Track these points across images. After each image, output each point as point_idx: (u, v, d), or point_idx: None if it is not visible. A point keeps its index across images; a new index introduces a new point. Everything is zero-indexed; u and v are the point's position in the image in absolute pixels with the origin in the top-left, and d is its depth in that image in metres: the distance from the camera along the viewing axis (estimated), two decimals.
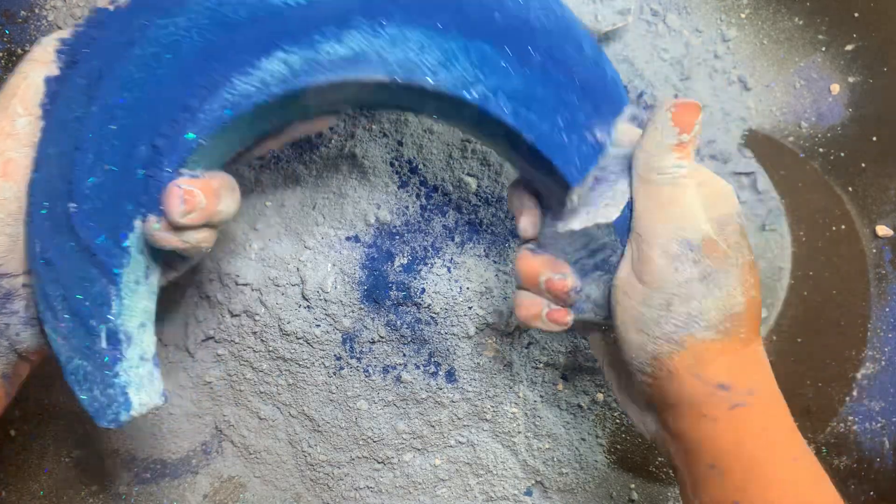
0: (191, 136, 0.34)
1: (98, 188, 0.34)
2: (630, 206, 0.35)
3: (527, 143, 0.35)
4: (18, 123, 0.34)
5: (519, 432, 0.53)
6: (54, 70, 0.35)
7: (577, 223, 0.36)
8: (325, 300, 0.49)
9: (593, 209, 0.36)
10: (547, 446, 0.53)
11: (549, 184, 0.37)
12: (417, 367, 0.51)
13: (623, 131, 0.35)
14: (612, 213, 0.35)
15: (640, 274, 0.33)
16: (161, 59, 0.35)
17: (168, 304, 0.51)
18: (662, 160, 0.33)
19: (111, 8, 0.36)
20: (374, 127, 0.48)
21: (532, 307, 0.38)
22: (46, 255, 0.34)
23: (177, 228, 0.34)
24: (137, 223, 0.35)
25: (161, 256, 0.37)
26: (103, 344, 0.35)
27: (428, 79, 0.35)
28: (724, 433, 0.32)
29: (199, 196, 0.34)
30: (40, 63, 0.35)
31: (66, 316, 0.35)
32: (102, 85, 0.35)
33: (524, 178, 0.39)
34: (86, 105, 0.35)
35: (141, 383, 0.37)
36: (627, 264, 0.34)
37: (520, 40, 0.35)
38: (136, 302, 0.36)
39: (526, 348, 0.51)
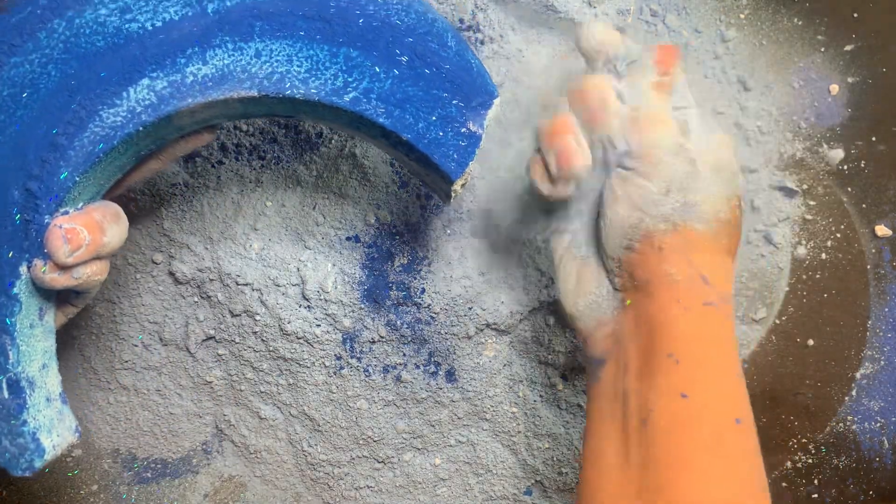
0: (65, 175, 0.34)
1: None
2: None
3: (405, 143, 0.36)
4: None
5: (519, 432, 0.53)
6: None
7: None
8: (326, 300, 0.49)
9: None
10: (547, 446, 0.53)
11: (434, 179, 0.38)
12: (417, 367, 0.51)
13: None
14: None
15: (639, 167, 0.35)
16: (19, 98, 0.34)
17: (168, 304, 0.51)
18: (645, 97, 0.36)
19: None
20: None
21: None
22: None
23: (65, 268, 0.34)
24: (23, 269, 0.34)
25: (54, 294, 0.37)
26: (5, 394, 0.34)
27: (298, 89, 0.35)
28: (692, 325, 0.33)
29: (82, 233, 0.34)
30: None
31: None
32: None
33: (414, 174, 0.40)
34: None
35: (51, 424, 0.36)
36: (619, 171, 0.36)
37: (385, 42, 0.36)
38: (33, 346, 0.36)
39: (526, 348, 0.51)
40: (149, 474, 0.55)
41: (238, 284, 0.49)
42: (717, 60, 0.49)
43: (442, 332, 0.50)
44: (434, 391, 0.51)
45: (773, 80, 0.50)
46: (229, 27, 0.35)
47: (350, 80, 0.35)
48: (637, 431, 0.33)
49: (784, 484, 0.53)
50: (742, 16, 0.49)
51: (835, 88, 0.50)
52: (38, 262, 0.34)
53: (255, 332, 0.50)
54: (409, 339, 0.50)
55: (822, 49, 0.49)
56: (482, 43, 0.47)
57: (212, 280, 0.49)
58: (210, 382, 0.52)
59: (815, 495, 0.53)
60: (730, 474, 0.31)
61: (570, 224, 0.39)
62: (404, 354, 0.50)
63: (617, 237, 0.36)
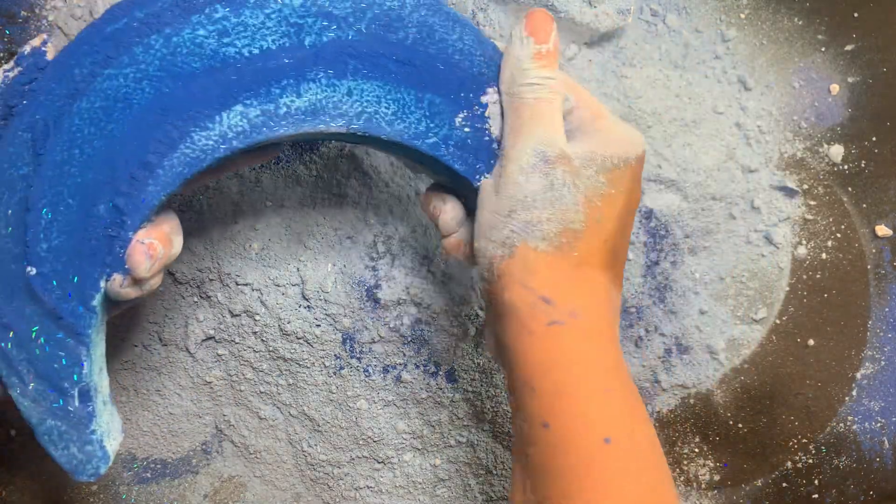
0: (153, 193, 0.34)
1: (57, 251, 0.34)
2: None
3: (460, 176, 0.37)
4: None
5: None
6: None
7: None
8: (325, 300, 0.49)
9: None
10: None
11: (462, 188, 0.39)
12: (417, 367, 0.51)
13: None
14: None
15: (496, 186, 0.34)
16: (112, 112, 0.34)
17: (168, 304, 0.51)
18: (524, 72, 0.34)
19: (46, 50, 0.35)
20: None
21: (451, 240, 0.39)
22: (4, 321, 0.34)
23: (140, 281, 0.34)
24: (102, 283, 0.34)
25: (112, 301, 0.37)
26: (76, 403, 0.35)
27: (384, 130, 0.36)
28: (539, 350, 0.32)
29: (158, 247, 0.34)
30: None
31: (35, 380, 0.34)
32: (50, 141, 0.33)
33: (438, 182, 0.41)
34: (31, 161, 0.34)
35: (109, 428, 0.36)
36: (491, 179, 0.36)
37: (467, 90, 0.37)
38: (98, 353, 0.36)
39: None
40: (148, 474, 0.55)
41: (238, 284, 0.49)
42: (717, 60, 0.49)
43: (442, 332, 0.50)
44: (434, 391, 0.51)
45: (774, 80, 0.50)
46: (324, 62, 0.35)
47: (432, 125, 0.36)
48: (527, 463, 0.32)
49: (784, 484, 0.53)
50: (742, 16, 0.49)
51: (835, 88, 0.50)
52: (117, 277, 0.34)
53: (255, 332, 0.50)
54: (409, 339, 0.50)
55: (823, 49, 0.49)
56: None
57: (212, 280, 0.49)
58: (210, 382, 0.52)
59: (815, 495, 0.53)
60: (603, 497, 0.30)
61: None
62: (404, 355, 0.50)
63: (478, 268, 0.36)
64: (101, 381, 0.36)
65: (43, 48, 0.35)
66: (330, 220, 0.48)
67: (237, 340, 0.50)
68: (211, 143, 0.34)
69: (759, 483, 0.53)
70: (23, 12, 0.47)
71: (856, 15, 0.49)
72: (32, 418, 0.34)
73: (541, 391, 0.32)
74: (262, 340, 0.50)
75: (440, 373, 0.51)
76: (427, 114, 0.36)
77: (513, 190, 0.33)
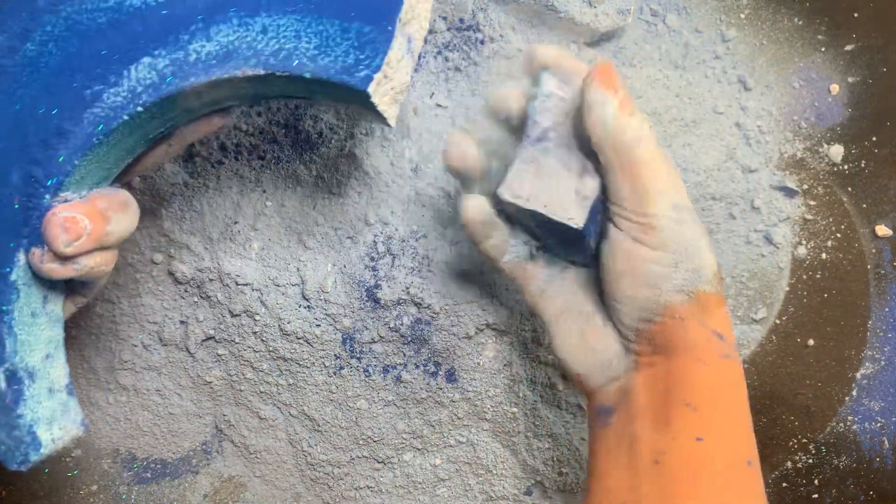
0: (62, 158, 0.32)
1: None
2: (601, 199, 0.36)
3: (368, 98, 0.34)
4: None
5: (519, 432, 0.53)
6: None
7: (537, 205, 0.36)
8: (325, 300, 0.49)
9: (555, 197, 0.36)
10: (547, 446, 0.53)
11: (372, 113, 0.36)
12: (417, 367, 0.51)
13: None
14: (579, 218, 0.36)
15: (642, 239, 0.35)
16: (19, 77, 0.32)
17: (168, 304, 0.51)
18: (623, 128, 0.34)
19: None
20: (374, 127, 0.48)
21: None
22: None
23: (65, 258, 0.33)
24: (20, 256, 0.32)
25: (61, 283, 0.35)
26: (2, 386, 0.33)
27: (307, 67, 0.33)
28: (710, 377, 0.35)
29: (83, 221, 0.32)
30: None
31: None
32: None
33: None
34: None
35: (52, 417, 0.35)
36: (620, 234, 0.36)
37: (389, 13, 0.33)
38: (35, 335, 0.34)
39: (526, 348, 0.51)
40: (148, 474, 0.55)
41: (238, 284, 0.49)
42: (717, 60, 0.49)
43: (442, 332, 0.50)
44: (434, 391, 0.51)
45: (774, 80, 0.50)
46: (234, 1, 0.33)
47: (362, 57, 0.33)
48: (648, 471, 0.34)
49: (784, 484, 0.53)
50: (742, 16, 0.49)
51: (835, 88, 0.50)
52: (35, 251, 0.32)
53: (255, 332, 0.50)
54: (409, 339, 0.50)
55: (823, 49, 0.49)
56: (482, 43, 0.47)
57: (212, 280, 0.49)
58: (210, 382, 0.52)
59: (815, 495, 0.53)
60: None
61: (560, 279, 0.40)
62: (404, 354, 0.50)
63: (634, 313, 0.36)
64: (45, 367, 0.35)
65: None
66: (330, 220, 0.48)
67: (237, 340, 0.50)
68: (120, 99, 0.32)
69: None
70: None
71: (856, 15, 0.49)
72: None
73: (702, 410, 0.34)
74: (262, 340, 0.50)
75: (440, 373, 0.51)
76: (355, 45, 0.33)
77: (669, 240, 0.35)
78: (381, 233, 0.48)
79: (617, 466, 0.36)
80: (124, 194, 0.35)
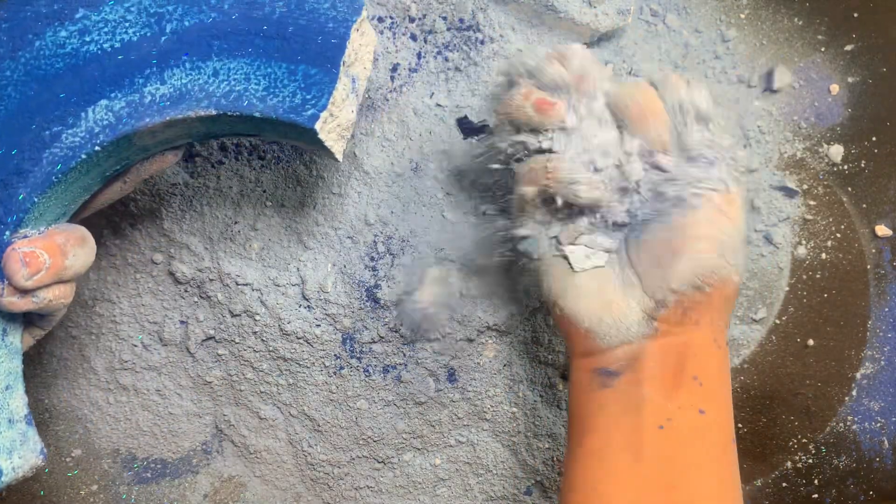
0: (22, 195, 0.34)
1: None
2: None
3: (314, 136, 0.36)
4: None
5: (519, 432, 0.53)
6: None
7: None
8: (325, 300, 0.49)
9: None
10: (547, 446, 0.53)
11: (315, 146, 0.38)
12: (417, 367, 0.51)
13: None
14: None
15: (726, 211, 0.37)
16: None
17: (168, 304, 0.51)
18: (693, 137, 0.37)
19: None
20: (373, 128, 0.48)
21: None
22: None
23: (24, 291, 0.34)
24: None
25: (19, 316, 0.36)
26: None
27: (256, 107, 0.35)
28: (717, 359, 0.38)
29: (42, 256, 0.33)
30: None
31: None
32: None
33: None
34: None
35: (12, 447, 0.35)
36: (704, 202, 0.37)
37: (334, 57, 0.36)
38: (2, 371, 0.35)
39: (526, 348, 0.51)
40: (148, 474, 0.55)
41: (238, 284, 0.49)
42: (717, 60, 0.49)
43: (442, 332, 0.50)
44: (434, 392, 0.51)
45: (774, 80, 0.50)
46: (187, 47, 0.35)
47: (309, 97, 0.35)
48: (652, 434, 0.36)
49: (784, 484, 0.53)
50: (742, 16, 0.49)
51: (835, 88, 0.50)
52: None
53: (255, 332, 0.50)
54: (409, 339, 0.50)
55: (823, 49, 0.49)
56: (482, 43, 0.47)
57: (212, 280, 0.49)
58: (210, 382, 0.52)
59: (815, 495, 0.53)
60: (730, 481, 0.37)
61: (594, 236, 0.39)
62: (404, 355, 0.50)
63: (688, 274, 0.36)
64: (6, 398, 0.36)
65: None
66: (330, 220, 0.48)
67: (237, 340, 0.50)
68: (78, 139, 0.34)
69: (759, 483, 0.53)
70: None
71: (856, 15, 0.49)
72: None
73: (707, 385, 0.37)
74: (262, 340, 0.50)
75: (440, 373, 0.51)
76: (302, 86, 0.35)
77: (742, 222, 0.38)
78: (381, 233, 0.48)
79: (618, 428, 0.37)
80: (82, 230, 0.37)
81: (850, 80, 0.50)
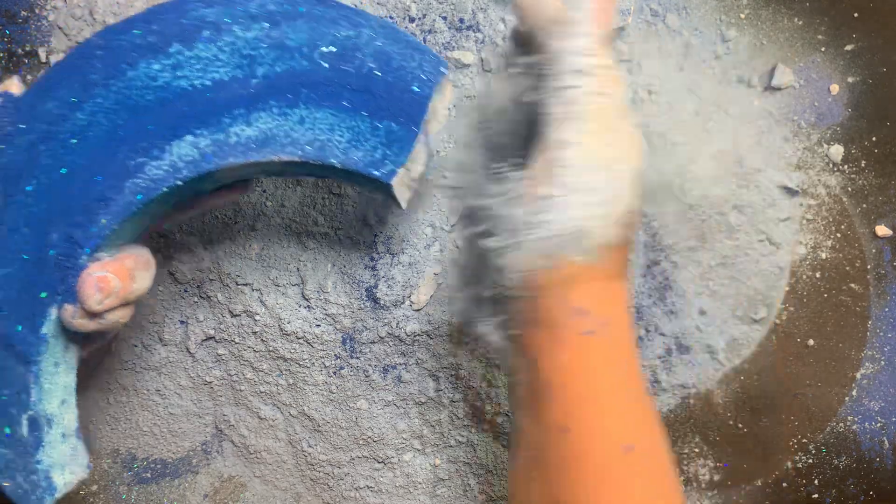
0: (104, 222, 0.34)
1: (9, 278, 0.34)
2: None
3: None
4: None
5: None
6: None
7: None
8: (325, 300, 0.49)
9: None
10: None
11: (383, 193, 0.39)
12: (418, 367, 0.51)
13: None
14: None
15: (538, 185, 0.32)
16: (67, 144, 0.34)
17: (168, 304, 0.51)
18: (581, 56, 0.31)
19: (17, 94, 0.35)
20: None
21: None
22: None
23: (94, 314, 0.35)
24: (53, 310, 0.34)
25: (80, 333, 0.37)
26: (24, 432, 0.35)
27: (339, 158, 0.36)
28: (567, 358, 0.32)
29: (113, 280, 0.34)
30: None
31: None
32: (21, 183, 0.34)
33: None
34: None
35: (65, 461, 0.36)
36: (522, 180, 0.32)
37: (415, 115, 0.36)
38: (55, 383, 0.36)
39: None
40: (148, 474, 0.55)
41: (238, 284, 0.49)
42: (717, 60, 0.49)
43: (442, 332, 0.50)
44: (434, 392, 0.51)
45: (775, 79, 0.50)
46: (276, 92, 0.35)
47: (389, 153, 0.36)
48: (536, 468, 0.32)
49: (784, 484, 0.53)
50: (742, 16, 0.49)
51: (835, 88, 0.50)
52: (68, 307, 0.34)
53: (255, 332, 0.50)
54: (409, 339, 0.50)
55: (823, 49, 0.49)
56: (482, 43, 0.47)
57: (212, 280, 0.49)
58: (210, 382, 0.52)
59: (816, 495, 0.53)
60: None
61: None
62: (404, 355, 0.50)
63: (513, 275, 0.33)
64: (61, 412, 0.36)
65: (12, 91, 0.36)
66: (330, 220, 0.48)
67: (237, 340, 0.50)
68: (162, 172, 0.35)
69: (759, 483, 0.53)
70: (23, 12, 0.47)
71: (856, 15, 0.49)
72: None
73: (564, 396, 0.31)
74: (262, 340, 0.50)
75: (440, 373, 0.51)
76: (384, 141, 0.36)
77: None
78: (381, 233, 0.48)
79: (516, 465, 0.34)
80: (147, 253, 0.38)
81: (850, 79, 0.50)
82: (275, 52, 0.36)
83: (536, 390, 0.32)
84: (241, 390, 0.52)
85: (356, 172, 0.36)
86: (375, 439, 0.52)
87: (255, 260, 0.49)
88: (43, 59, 0.47)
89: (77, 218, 0.34)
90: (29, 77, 0.47)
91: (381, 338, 0.50)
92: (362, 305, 0.49)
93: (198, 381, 0.53)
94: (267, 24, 0.36)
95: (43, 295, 0.34)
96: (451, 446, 0.53)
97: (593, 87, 0.31)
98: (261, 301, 0.49)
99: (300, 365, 0.51)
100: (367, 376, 0.51)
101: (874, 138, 0.50)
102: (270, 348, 0.50)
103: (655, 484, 0.31)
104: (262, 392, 0.52)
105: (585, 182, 0.31)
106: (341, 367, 0.51)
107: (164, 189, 0.35)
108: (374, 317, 0.49)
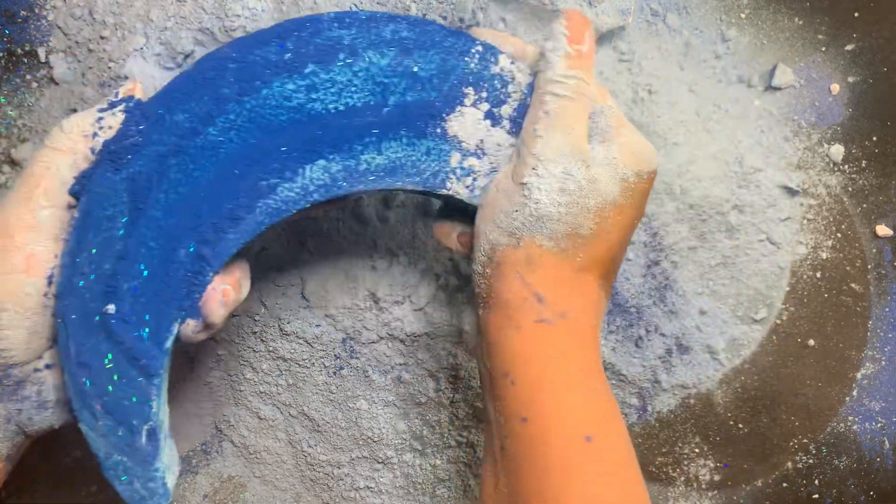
0: (233, 242, 0.35)
1: (136, 292, 0.34)
2: None
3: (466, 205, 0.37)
4: (41, 215, 0.33)
5: None
6: (80, 162, 0.34)
7: None
8: (325, 300, 0.49)
9: None
10: None
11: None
12: (418, 367, 0.51)
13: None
14: None
15: (514, 175, 0.34)
16: (199, 160, 0.34)
17: None
18: (555, 68, 0.34)
19: (144, 100, 0.35)
20: None
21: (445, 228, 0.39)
22: (82, 358, 0.34)
23: (212, 325, 0.35)
24: (175, 326, 0.35)
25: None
26: (143, 441, 0.35)
27: (457, 191, 0.36)
28: (522, 344, 0.32)
29: (231, 293, 0.35)
30: (62, 152, 0.34)
31: (105, 416, 0.34)
32: (152, 195, 0.34)
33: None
34: (128, 211, 0.34)
35: (170, 463, 0.37)
36: (510, 167, 0.35)
37: None
38: (165, 392, 0.36)
39: None
40: None
41: None
42: (717, 60, 0.49)
43: (442, 332, 0.50)
44: (434, 392, 0.51)
45: (775, 79, 0.50)
46: (406, 122, 0.35)
47: (475, 182, 0.36)
48: (501, 458, 0.32)
49: (784, 484, 0.53)
50: (742, 16, 0.49)
51: (835, 88, 0.50)
52: (191, 322, 0.35)
53: (255, 333, 0.50)
54: (410, 339, 0.50)
55: (823, 49, 0.49)
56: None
57: None
58: (210, 383, 0.52)
59: (816, 495, 0.53)
60: (581, 497, 0.30)
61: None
62: (404, 355, 0.50)
63: (476, 254, 0.35)
64: (165, 417, 0.37)
65: (136, 95, 0.35)
66: (330, 220, 0.48)
67: (237, 340, 0.50)
68: (293, 195, 0.35)
69: (759, 483, 0.53)
70: (22, 12, 0.47)
71: (856, 15, 0.49)
72: (100, 452, 0.34)
73: (521, 384, 0.32)
74: (262, 340, 0.50)
75: (440, 373, 0.51)
76: (488, 174, 0.36)
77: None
78: (382, 233, 0.48)
79: (486, 454, 0.34)
80: (246, 263, 0.38)
81: (850, 79, 0.50)
82: (406, 82, 0.36)
83: (496, 378, 0.33)
84: (240, 390, 0.52)
85: (461, 200, 0.36)
86: (375, 440, 0.52)
87: (255, 260, 0.49)
88: (42, 58, 0.47)
89: (207, 235, 0.34)
90: (28, 77, 0.47)
91: (381, 338, 0.50)
92: (362, 305, 0.49)
93: (198, 381, 0.53)
94: (400, 52, 0.36)
95: (171, 311, 0.34)
96: (451, 447, 0.53)
97: (558, 91, 0.34)
98: (261, 301, 0.49)
99: (300, 365, 0.51)
100: (366, 376, 0.51)
101: (875, 138, 0.50)
102: (270, 348, 0.50)
103: (616, 474, 0.31)
104: (261, 392, 0.52)
105: (551, 171, 0.33)
106: (341, 368, 0.51)
107: (294, 211, 0.35)
108: (373, 317, 0.49)
